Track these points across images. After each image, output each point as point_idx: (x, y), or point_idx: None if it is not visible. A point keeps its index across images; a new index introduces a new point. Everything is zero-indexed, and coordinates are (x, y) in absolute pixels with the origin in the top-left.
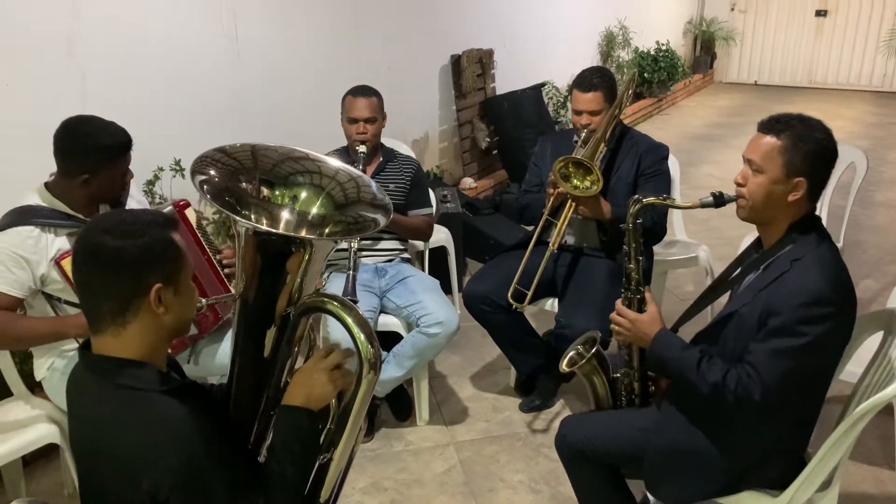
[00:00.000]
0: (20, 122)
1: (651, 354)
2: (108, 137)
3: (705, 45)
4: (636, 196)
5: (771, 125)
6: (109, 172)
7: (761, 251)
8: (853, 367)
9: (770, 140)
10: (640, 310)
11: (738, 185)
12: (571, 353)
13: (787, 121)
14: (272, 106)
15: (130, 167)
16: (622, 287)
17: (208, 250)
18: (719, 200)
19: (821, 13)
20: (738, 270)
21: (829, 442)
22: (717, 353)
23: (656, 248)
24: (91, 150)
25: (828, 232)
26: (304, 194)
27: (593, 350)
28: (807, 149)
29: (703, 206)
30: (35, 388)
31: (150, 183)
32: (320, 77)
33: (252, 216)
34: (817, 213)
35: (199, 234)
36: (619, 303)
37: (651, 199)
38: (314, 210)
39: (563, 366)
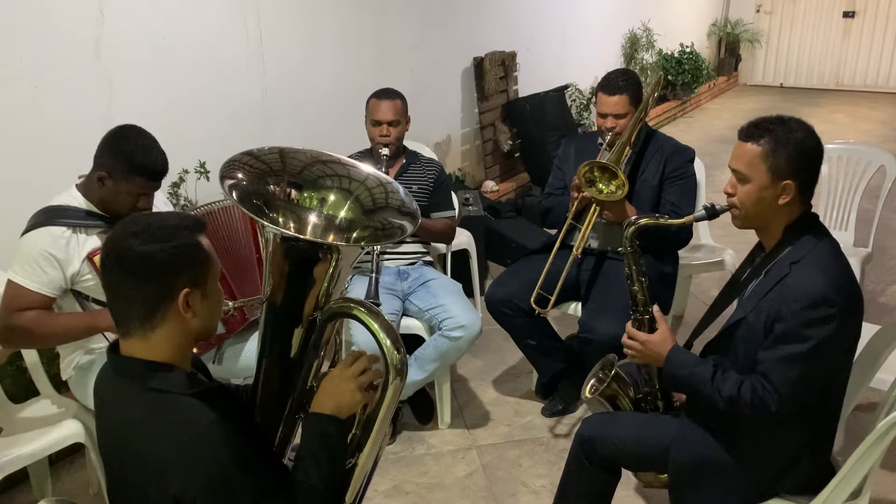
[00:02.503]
0: (48, 125)
1: (666, 373)
2: (141, 155)
3: (730, 47)
4: (630, 219)
5: (750, 132)
6: (123, 184)
7: (762, 255)
8: (884, 374)
9: (751, 147)
10: (652, 329)
11: (728, 194)
12: (592, 381)
13: (766, 125)
14: (296, 109)
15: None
16: (630, 309)
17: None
18: (711, 213)
19: (848, 14)
20: (744, 276)
21: (858, 451)
22: (729, 363)
23: (681, 252)
24: (119, 155)
25: (826, 228)
26: (332, 198)
27: (612, 373)
28: (788, 151)
29: (697, 220)
30: (62, 387)
31: (175, 185)
32: (344, 80)
33: (280, 219)
34: (827, 211)
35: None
36: (629, 325)
37: (645, 221)
38: (342, 214)
39: (587, 393)
